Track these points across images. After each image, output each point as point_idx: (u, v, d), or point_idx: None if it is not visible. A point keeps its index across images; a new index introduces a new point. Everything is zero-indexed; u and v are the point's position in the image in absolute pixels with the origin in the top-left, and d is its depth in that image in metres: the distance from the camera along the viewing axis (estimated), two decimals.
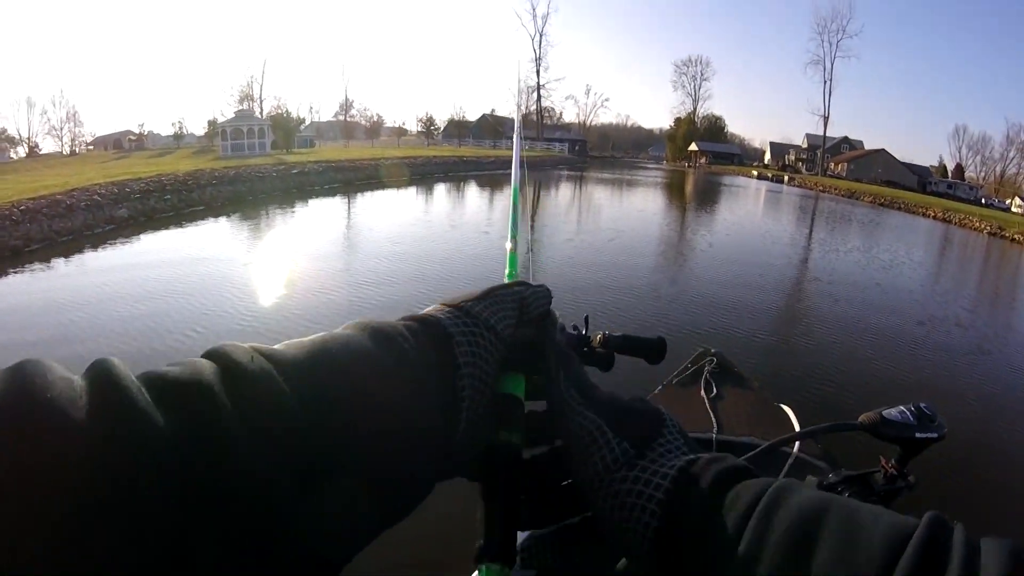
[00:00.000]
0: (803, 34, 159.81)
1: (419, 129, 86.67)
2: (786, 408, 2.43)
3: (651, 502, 0.45)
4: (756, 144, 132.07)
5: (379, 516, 0.37)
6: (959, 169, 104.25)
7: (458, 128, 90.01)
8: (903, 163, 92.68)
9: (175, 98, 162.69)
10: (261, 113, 66.37)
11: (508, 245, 0.95)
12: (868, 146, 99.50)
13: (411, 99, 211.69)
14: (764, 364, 6.30)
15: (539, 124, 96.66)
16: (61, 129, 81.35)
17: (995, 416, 5.88)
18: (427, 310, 0.52)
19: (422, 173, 34.89)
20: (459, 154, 49.43)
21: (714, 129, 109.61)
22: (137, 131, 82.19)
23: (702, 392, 2.54)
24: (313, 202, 20.84)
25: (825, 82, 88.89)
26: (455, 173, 38.02)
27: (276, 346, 0.37)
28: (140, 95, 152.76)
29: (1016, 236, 31.62)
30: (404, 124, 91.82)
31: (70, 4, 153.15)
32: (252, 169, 23.54)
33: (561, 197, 28.05)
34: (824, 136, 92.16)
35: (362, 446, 0.34)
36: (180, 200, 17.61)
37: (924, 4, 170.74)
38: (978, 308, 12.19)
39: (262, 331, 6.60)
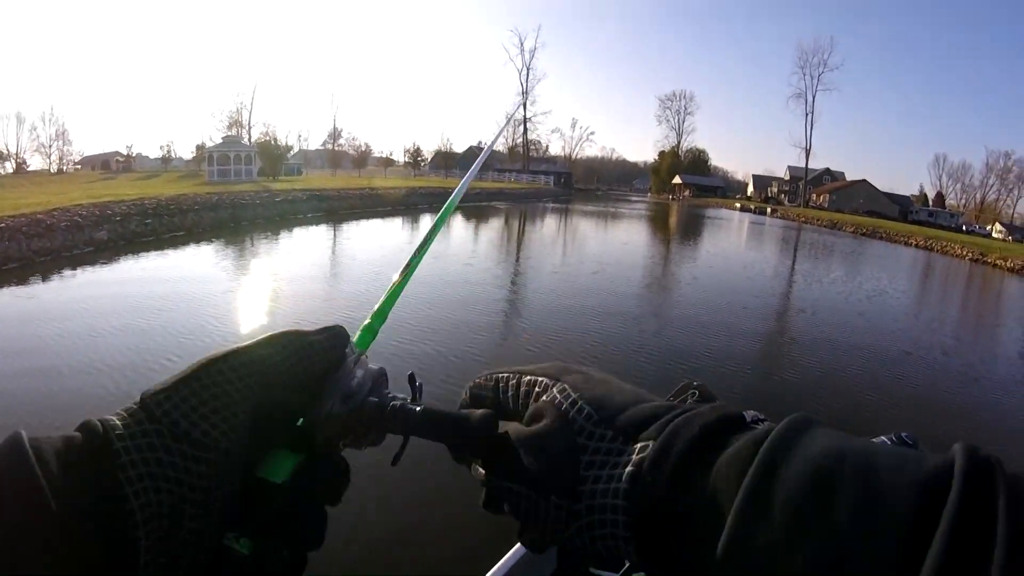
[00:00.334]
0: (785, 68, 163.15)
1: (406, 159, 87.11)
2: None
3: (617, 528, 0.38)
4: (739, 176, 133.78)
5: None
6: (940, 197, 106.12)
7: (445, 159, 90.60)
8: (884, 193, 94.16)
9: (165, 121, 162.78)
10: (249, 139, 66.48)
11: (395, 277, 0.75)
12: (850, 177, 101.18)
13: (399, 129, 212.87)
14: (748, 397, 6.31)
15: (525, 156, 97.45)
16: (50, 147, 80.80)
17: (980, 442, 5.83)
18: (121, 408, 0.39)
19: (407, 203, 35.01)
20: (445, 185, 49.69)
21: (698, 162, 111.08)
22: (125, 152, 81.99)
23: None
24: (294, 230, 20.80)
25: (807, 115, 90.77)
26: (440, 204, 37.55)
27: None
28: (130, 116, 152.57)
29: (997, 261, 32.12)
30: (391, 154, 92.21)
31: (63, 21, 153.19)
32: (236, 196, 23.47)
33: (546, 229, 28.28)
34: (806, 168, 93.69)
35: None
36: (161, 225, 17.52)
37: (904, 36, 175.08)
38: (962, 334, 12.43)
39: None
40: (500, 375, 0.53)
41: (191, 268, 12.86)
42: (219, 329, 7.74)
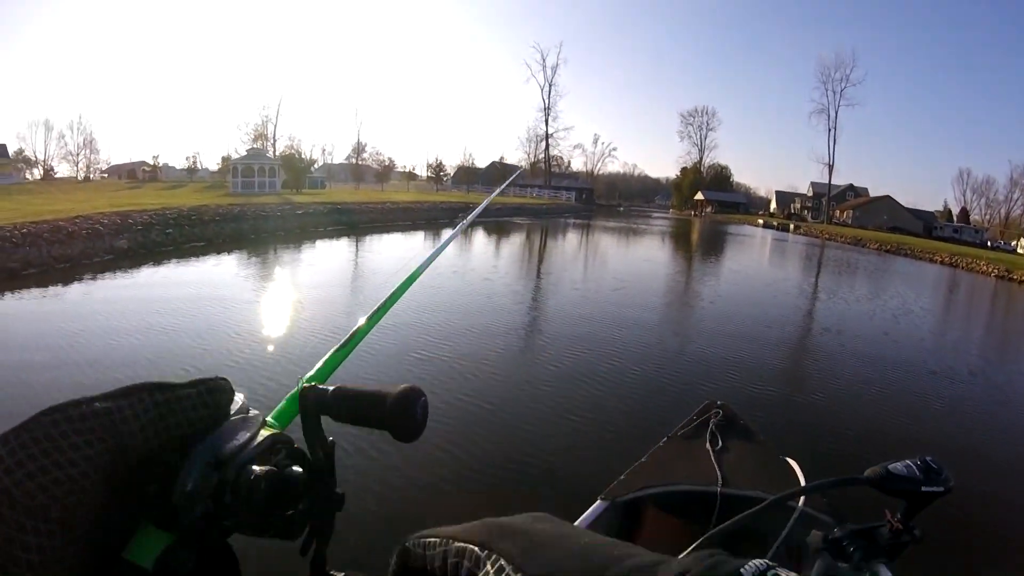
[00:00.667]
0: (808, 84, 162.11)
1: (429, 174, 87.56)
2: (792, 462, 2.41)
3: None
4: (762, 193, 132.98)
5: None
6: (964, 213, 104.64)
7: (467, 174, 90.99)
8: (908, 209, 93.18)
9: (192, 132, 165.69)
10: (274, 151, 67.16)
11: (360, 320, 0.72)
12: (873, 193, 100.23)
13: (422, 144, 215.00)
14: (771, 416, 6.15)
15: (547, 172, 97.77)
16: (77, 155, 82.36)
17: (1008, 467, 5.70)
18: None
19: (428, 218, 35.02)
20: (466, 200, 49.77)
21: (720, 178, 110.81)
22: (152, 162, 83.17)
23: (707, 444, 2.52)
24: (313, 244, 20.70)
25: (829, 130, 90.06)
26: (461, 219, 37.81)
27: None
28: (158, 127, 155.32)
29: None
30: (414, 168, 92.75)
31: (94, 30, 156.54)
32: (257, 207, 23.58)
33: (568, 245, 28.04)
34: (829, 184, 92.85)
35: None
36: (181, 235, 17.61)
37: (927, 49, 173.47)
38: (989, 355, 12.05)
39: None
40: (428, 541, 0.46)
41: (200, 278, 12.77)
42: (198, 346, 7.64)
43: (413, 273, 1.00)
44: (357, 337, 0.70)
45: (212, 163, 78.44)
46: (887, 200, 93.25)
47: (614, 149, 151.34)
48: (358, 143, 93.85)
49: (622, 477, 2.38)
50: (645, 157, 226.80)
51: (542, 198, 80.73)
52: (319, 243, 21.02)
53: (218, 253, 16.35)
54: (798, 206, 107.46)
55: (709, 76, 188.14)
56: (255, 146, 64.93)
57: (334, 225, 26.27)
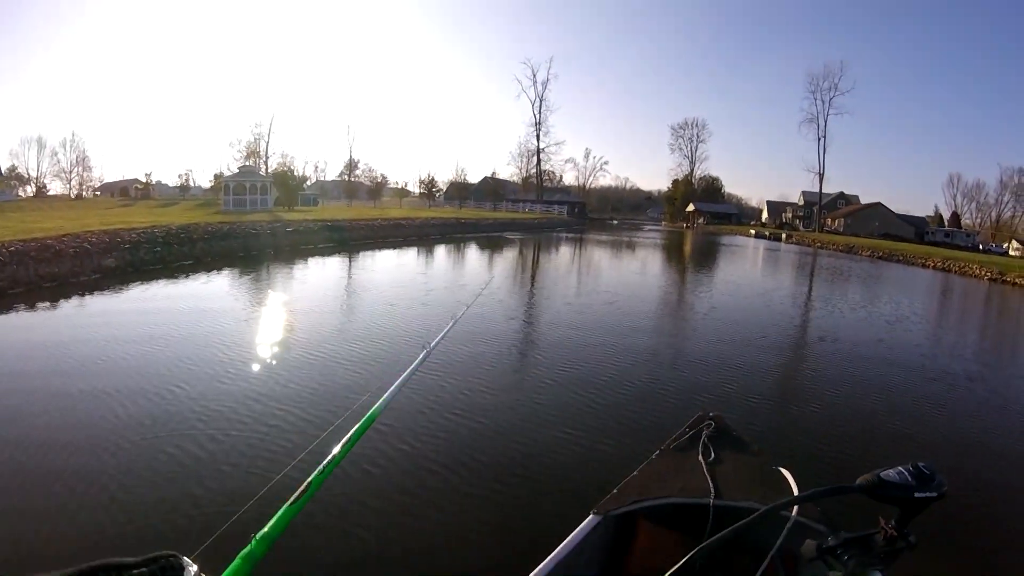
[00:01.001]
0: (797, 94, 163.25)
1: (421, 190, 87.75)
2: (785, 472, 2.40)
3: None
4: (753, 203, 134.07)
5: None
6: (955, 217, 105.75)
7: (459, 190, 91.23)
8: (899, 215, 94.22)
9: (185, 149, 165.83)
10: (267, 169, 67.27)
11: (312, 475, 0.69)
12: (864, 200, 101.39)
13: (415, 159, 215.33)
14: (765, 426, 6.12)
15: (539, 187, 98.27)
16: (70, 172, 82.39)
17: (1006, 472, 5.66)
18: None
19: (419, 234, 35.01)
20: (458, 216, 49.84)
21: (711, 189, 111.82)
22: (144, 180, 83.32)
23: (700, 456, 2.52)
24: (301, 262, 20.38)
25: (819, 139, 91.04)
26: (453, 235, 38.19)
27: None
28: (150, 144, 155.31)
29: (1017, 280, 31.76)
30: (407, 184, 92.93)
31: (87, 47, 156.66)
32: (247, 225, 23.45)
33: (560, 259, 27.92)
34: (820, 192, 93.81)
35: None
36: (169, 253, 17.49)
37: (913, 56, 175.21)
38: (986, 358, 12.05)
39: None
40: None
41: (180, 301, 12.46)
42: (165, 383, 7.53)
43: (366, 420, 0.92)
44: (309, 491, 0.69)
45: (205, 180, 78.65)
46: (878, 207, 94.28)
47: (606, 163, 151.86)
48: (350, 160, 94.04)
49: (615, 491, 2.37)
50: (637, 170, 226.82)
51: (534, 212, 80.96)
52: (309, 261, 20.85)
53: (207, 272, 16.18)
54: (790, 215, 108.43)
55: (699, 88, 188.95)
56: (247, 163, 65.06)
57: (325, 242, 26.17)
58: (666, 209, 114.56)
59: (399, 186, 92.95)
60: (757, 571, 1.70)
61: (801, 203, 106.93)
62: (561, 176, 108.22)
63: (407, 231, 34.05)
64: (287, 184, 48.92)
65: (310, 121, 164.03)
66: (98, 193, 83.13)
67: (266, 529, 0.44)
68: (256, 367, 7.34)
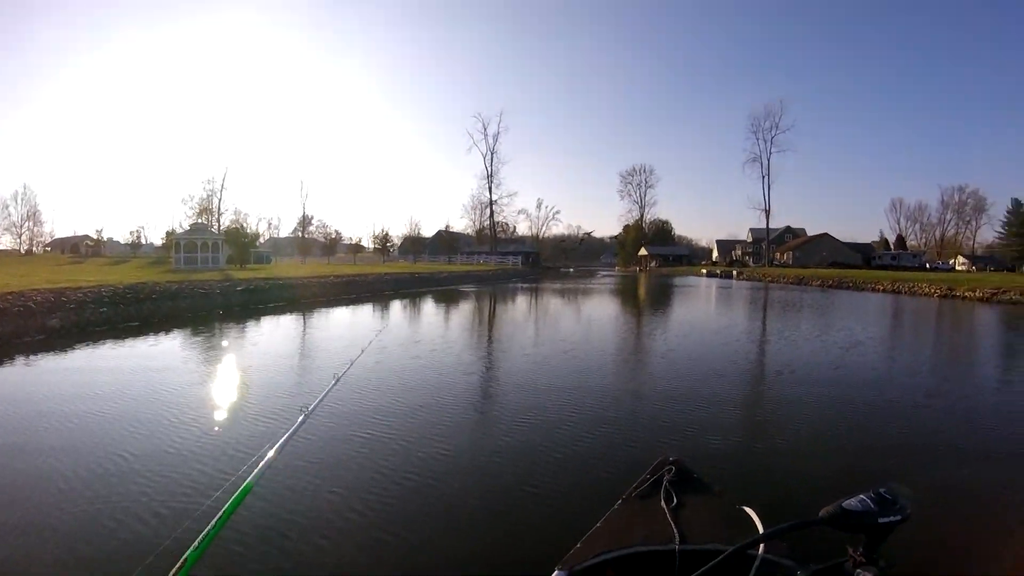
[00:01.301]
0: (740, 134, 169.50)
1: (375, 245, 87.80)
2: (749, 510, 2.38)
3: None
4: (703, 243, 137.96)
5: None
6: (900, 240, 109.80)
7: (414, 244, 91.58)
8: (846, 243, 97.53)
9: (137, 205, 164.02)
10: (219, 225, 66.87)
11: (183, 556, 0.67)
12: (811, 232, 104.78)
13: (368, 214, 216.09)
14: (726, 467, 6.13)
15: (493, 238, 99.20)
16: (20, 227, 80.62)
17: (972, 483, 5.81)
18: None
19: (373, 291, 34.88)
20: (412, 270, 50.05)
21: (662, 233, 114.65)
22: (95, 237, 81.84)
23: (663, 502, 2.50)
24: (251, 321, 19.80)
25: (763, 177, 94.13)
26: (407, 289, 38.17)
27: None
28: (103, 199, 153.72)
29: (967, 293, 32.96)
30: (360, 240, 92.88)
31: (39, 99, 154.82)
32: (196, 284, 23.11)
33: (516, 311, 27.88)
34: (767, 228, 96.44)
35: None
36: (116, 313, 17.21)
37: (847, 91, 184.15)
38: (945, 373, 12.53)
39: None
40: None
41: (128, 373, 12.19)
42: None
43: (241, 491, 1.02)
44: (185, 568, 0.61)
45: (157, 238, 77.63)
46: (825, 237, 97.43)
47: (558, 212, 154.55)
48: (304, 216, 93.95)
49: (579, 544, 2.33)
50: (589, 218, 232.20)
51: (489, 264, 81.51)
52: (260, 321, 20.37)
53: (155, 334, 15.71)
54: (739, 252, 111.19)
55: (645, 135, 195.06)
56: (200, 220, 64.70)
57: (276, 301, 25.83)
58: (619, 254, 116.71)
59: (353, 242, 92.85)
60: None
61: (750, 240, 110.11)
62: (515, 227, 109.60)
63: (360, 288, 34.02)
64: (239, 241, 48.57)
65: (264, 177, 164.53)
66: (48, 249, 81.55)
67: None
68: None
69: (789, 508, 4.80)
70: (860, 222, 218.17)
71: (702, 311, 28.36)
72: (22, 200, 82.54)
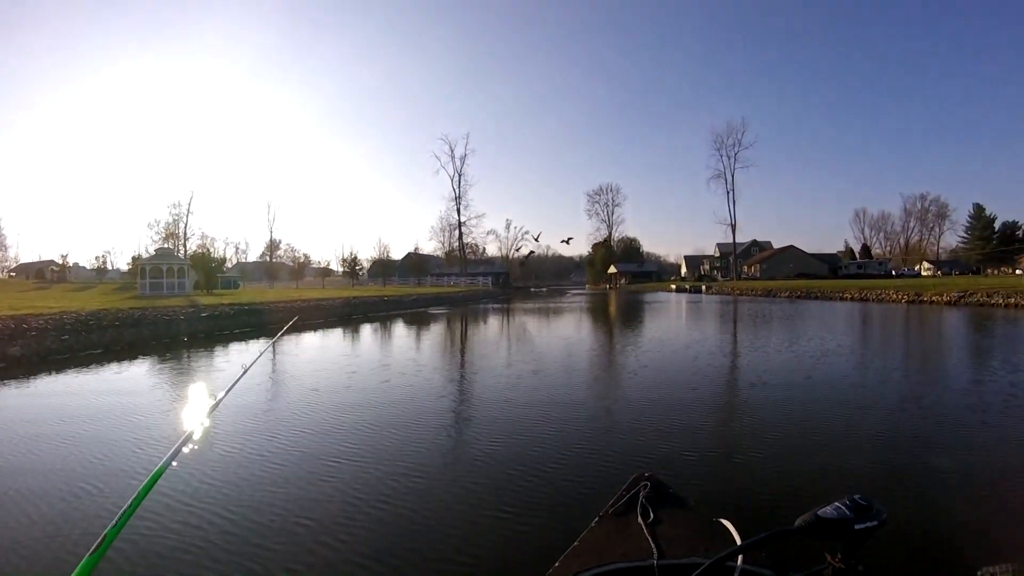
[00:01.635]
0: (704, 151, 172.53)
1: (344, 269, 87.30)
2: (726, 523, 2.37)
3: None
4: (671, 259, 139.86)
5: None
6: (866, 249, 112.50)
7: (383, 267, 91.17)
8: (812, 254, 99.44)
9: (103, 229, 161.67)
10: (185, 251, 66.08)
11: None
12: (777, 245, 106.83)
13: (337, 238, 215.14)
14: (704, 480, 6.15)
15: (462, 260, 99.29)
16: None
17: (946, 485, 5.87)
18: None
19: (341, 315, 34.58)
20: (381, 294, 49.73)
21: (630, 250, 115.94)
22: (60, 262, 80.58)
23: (639, 519, 2.47)
24: (216, 348, 19.39)
25: (728, 192, 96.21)
26: (376, 313, 37.95)
27: None
28: (68, 223, 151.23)
29: (934, 298, 33.71)
30: (329, 264, 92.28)
31: (3, 123, 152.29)
32: (160, 311, 22.70)
33: (486, 332, 27.78)
34: (734, 243, 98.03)
35: None
36: (78, 341, 16.85)
37: (807, 104, 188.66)
38: (917, 377, 12.67)
39: None
40: None
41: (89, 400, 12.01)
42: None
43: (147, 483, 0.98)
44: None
45: (123, 263, 76.57)
46: (791, 249, 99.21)
47: (527, 232, 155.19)
48: (271, 240, 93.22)
49: (556, 564, 2.30)
50: (558, 237, 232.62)
51: (459, 286, 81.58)
52: (226, 347, 20.01)
53: (119, 361, 15.37)
54: (707, 267, 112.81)
55: (611, 154, 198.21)
56: (165, 245, 63.85)
57: (242, 327, 25.45)
58: (588, 273, 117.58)
59: (322, 265, 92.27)
60: None
61: (717, 254, 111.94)
62: (484, 248, 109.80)
63: (328, 312, 33.72)
64: (206, 266, 48.01)
65: (230, 200, 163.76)
66: (13, 275, 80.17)
67: None
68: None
69: (766, 518, 4.90)
70: (825, 233, 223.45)
71: (674, 326, 28.45)
72: None
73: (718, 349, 17.89)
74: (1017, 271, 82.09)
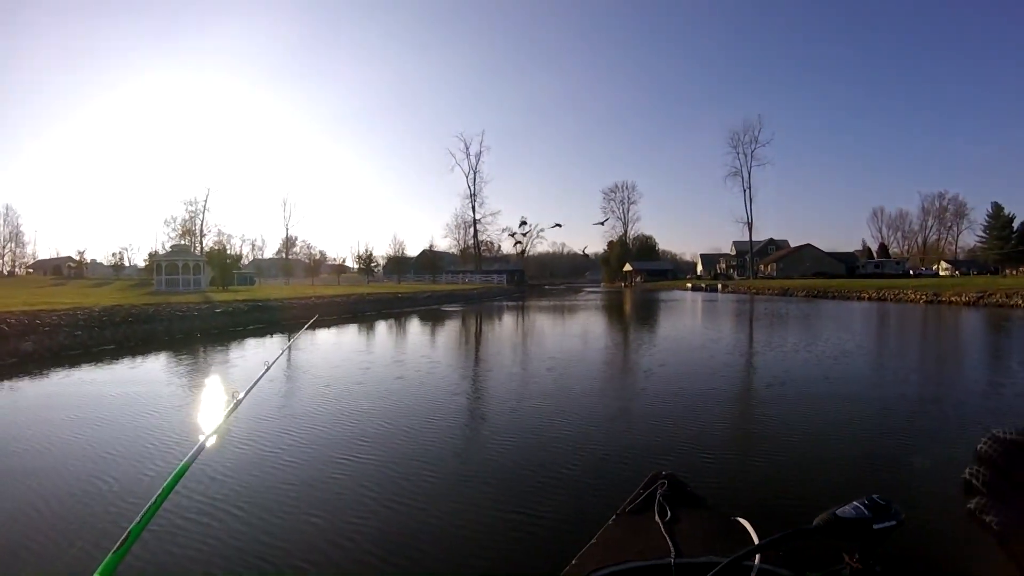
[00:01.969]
0: (720, 148, 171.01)
1: (359, 266, 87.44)
2: (744, 522, 2.35)
3: None
4: (687, 258, 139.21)
5: None
6: (883, 248, 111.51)
7: (398, 264, 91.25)
8: (829, 253, 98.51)
9: (121, 226, 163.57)
10: (202, 246, 66.47)
11: None
12: (793, 243, 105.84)
13: (352, 235, 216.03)
14: (721, 479, 6.07)
15: (477, 257, 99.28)
16: (3, 248, 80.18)
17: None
18: None
19: (355, 311, 34.51)
20: (395, 291, 49.78)
21: (646, 248, 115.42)
22: (77, 258, 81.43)
23: (656, 517, 2.45)
24: (229, 344, 19.27)
25: (744, 190, 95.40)
26: (390, 310, 37.95)
27: None
28: (86, 220, 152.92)
29: (952, 298, 33.26)
30: (344, 261, 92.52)
31: (22, 120, 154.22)
32: (173, 307, 22.72)
33: (501, 329, 27.61)
34: (751, 241, 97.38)
35: None
36: (90, 337, 16.88)
37: (824, 102, 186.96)
38: (938, 378, 12.53)
39: None
40: None
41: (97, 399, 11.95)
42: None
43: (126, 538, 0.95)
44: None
45: (140, 259, 77.18)
46: (808, 248, 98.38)
47: (542, 230, 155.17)
48: (287, 237, 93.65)
49: (573, 561, 2.27)
50: (573, 235, 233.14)
51: (473, 283, 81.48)
52: (237, 344, 19.81)
53: (133, 357, 15.41)
54: (723, 266, 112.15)
55: (626, 151, 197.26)
56: (182, 242, 64.26)
57: (256, 324, 25.41)
58: (603, 271, 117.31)
59: (337, 262, 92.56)
60: None
61: (733, 253, 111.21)
62: (499, 246, 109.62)
63: (342, 308, 33.69)
64: (222, 263, 48.22)
65: (247, 198, 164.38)
66: (31, 271, 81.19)
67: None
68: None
69: (777, 518, 4.72)
70: (842, 232, 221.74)
71: (689, 325, 28.23)
72: (4, 221, 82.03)
73: (734, 348, 17.69)
74: None
